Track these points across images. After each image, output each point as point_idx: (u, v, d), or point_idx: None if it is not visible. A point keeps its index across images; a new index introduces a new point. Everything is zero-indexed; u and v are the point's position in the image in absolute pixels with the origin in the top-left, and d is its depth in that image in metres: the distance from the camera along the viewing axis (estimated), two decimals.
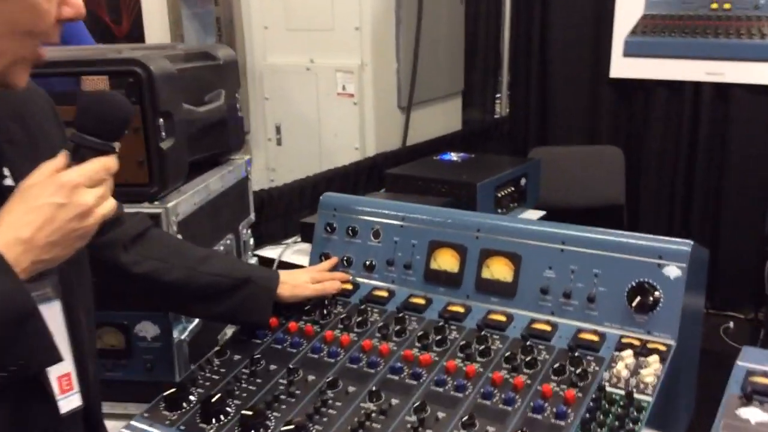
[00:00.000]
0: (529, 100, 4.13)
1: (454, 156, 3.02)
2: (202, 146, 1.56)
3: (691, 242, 1.25)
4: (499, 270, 1.39)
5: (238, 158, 1.76)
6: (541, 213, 2.91)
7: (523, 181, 2.87)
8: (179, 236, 1.40)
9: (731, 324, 3.89)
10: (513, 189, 2.79)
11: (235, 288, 1.32)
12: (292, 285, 1.40)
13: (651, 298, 1.24)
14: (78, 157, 0.90)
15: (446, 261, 1.44)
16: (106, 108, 0.92)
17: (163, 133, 1.35)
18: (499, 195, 2.71)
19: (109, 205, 0.90)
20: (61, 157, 0.89)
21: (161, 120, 1.35)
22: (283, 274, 1.42)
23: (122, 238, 1.24)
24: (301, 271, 1.49)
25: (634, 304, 1.24)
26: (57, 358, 0.88)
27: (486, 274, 1.40)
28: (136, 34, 4.39)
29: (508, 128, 4.23)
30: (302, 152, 3.59)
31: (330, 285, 1.45)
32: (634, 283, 1.26)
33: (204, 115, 1.54)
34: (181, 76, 1.44)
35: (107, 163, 0.90)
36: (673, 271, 1.24)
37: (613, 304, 1.27)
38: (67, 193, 0.85)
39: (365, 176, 3.14)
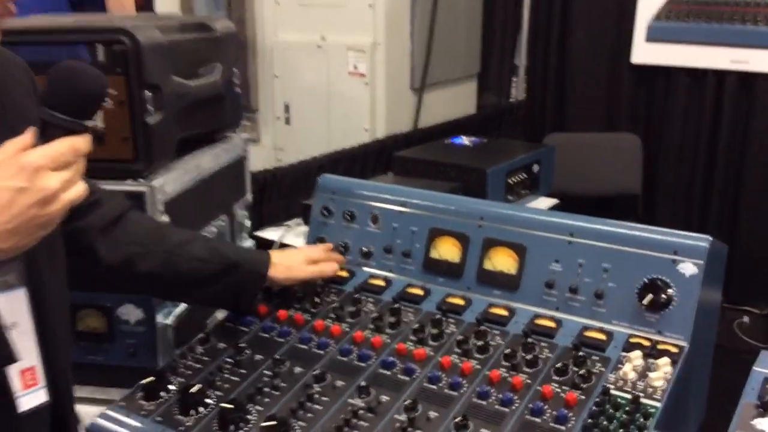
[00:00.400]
0: (547, 84, 4.01)
1: (465, 140, 2.92)
2: (195, 122, 1.49)
3: (710, 238, 1.16)
4: (502, 261, 1.31)
5: (235, 136, 1.69)
6: (554, 201, 2.82)
7: (536, 168, 2.77)
8: (166, 217, 1.33)
9: (746, 319, 3.77)
10: (525, 176, 2.70)
11: (219, 273, 1.24)
12: (286, 266, 1.32)
13: (664, 296, 1.15)
14: (45, 136, 0.81)
15: (447, 250, 1.36)
16: (77, 82, 0.83)
17: (150, 107, 1.28)
18: (511, 182, 2.62)
19: (77, 190, 0.82)
20: (27, 136, 0.81)
21: (148, 93, 1.27)
22: (276, 255, 1.33)
23: (98, 223, 1.17)
24: (295, 251, 1.41)
25: (645, 301, 1.16)
26: (11, 359, 0.81)
27: (488, 265, 1.32)
28: (148, 7, 4.32)
29: (523, 113, 4.12)
30: (311, 132, 3.50)
31: (328, 267, 1.37)
32: (646, 280, 1.17)
33: (197, 90, 1.46)
34: (172, 47, 1.37)
35: (76, 143, 0.81)
36: (689, 268, 1.15)
37: (622, 301, 1.19)
38: (29, 177, 0.77)
39: (374, 159, 3.05)
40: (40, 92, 1.02)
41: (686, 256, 1.15)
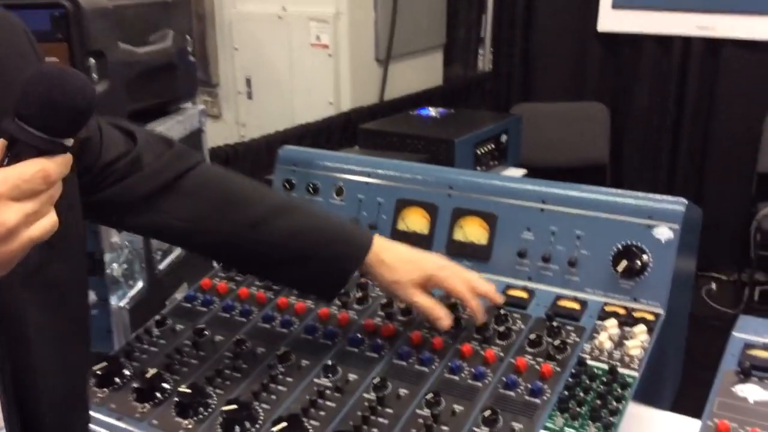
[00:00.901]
0: (513, 54, 3.97)
1: (432, 111, 2.87)
2: (145, 92, 1.41)
3: (686, 201, 1.12)
4: (472, 231, 1.26)
5: (191, 108, 1.60)
6: (523, 172, 2.79)
7: (504, 138, 2.73)
8: None
9: (713, 285, 3.82)
10: (493, 146, 2.66)
11: (290, 263, 1.03)
12: (391, 280, 1.05)
13: (639, 263, 1.11)
14: (12, 153, 0.65)
15: (415, 221, 1.30)
16: (59, 92, 0.65)
17: (95, 75, 1.20)
18: (479, 152, 2.58)
19: (44, 226, 0.65)
20: None
21: (92, 60, 1.19)
22: (388, 250, 1.05)
23: (133, 193, 0.95)
24: (419, 262, 1.08)
25: (619, 268, 1.12)
26: None
27: (458, 235, 1.27)
28: None
29: (490, 84, 4.08)
30: (274, 107, 3.42)
31: (441, 314, 1.06)
32: (620, 246, 1.13)
33: (146, 57, 1.38)
34: (118, 11, 1.28)
35: (48, 167, 0.64)
36: (664, 232, 1.12)
37: (596, 269, 1.15)
38: None
39: (339, 133, 2.98)
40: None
41: (661, 220, 1.12)
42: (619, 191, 1.18)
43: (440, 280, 1.07)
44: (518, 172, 2.78)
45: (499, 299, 1.12)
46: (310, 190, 1.40)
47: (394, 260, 1.06)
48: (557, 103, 3.79)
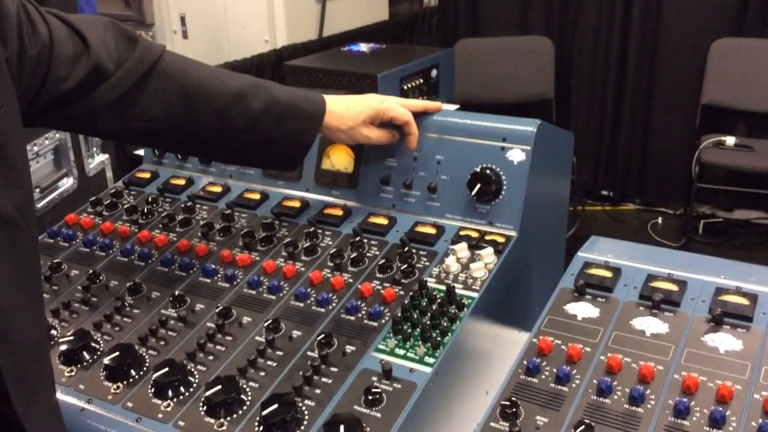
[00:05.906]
0: None
1: (363, 47, 2.81)
2: None
3: (539, 121, 1.11)
4: (339, 160, 1.24)
5: None
6: (455, 107, 2.75)
7: (434, 73, 2.69)
8: None
9: (660, 220, 3.85)
10: (422, 81, 2.62)
11: (256, 145, 1.04)
12: (347, 128, 1.10)
13: (493, 186, 1.10)
14: None
15: None
16: None
17: None
18: (405, 87, 2.54)
19: None
20: None
21: None
22: (336, 104, 1.09)
23: (99, 104, 0.90)
24: (359, 104, 1.11)
25: (474, 192, 1.11)
26: None
27: (326, 164, 1.25)
28: None
29: (437, 19, 4.00)
30: (210, 46, 3.33)
31: (385, 137, 1.14)
32: (476, 170, 1.12)
33: None
34: None
35: None
36: (517, 154, 1.10)
37: (455, 194, 1.14)
38: None
39: (271, 70, 2.92)
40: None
41: (514, 142, 1.10)
42: (477, 114, 1.16)
43: (384, 111, 1.13)
44: (450, 107, 2.74)
45: (438, 105, 1.21)
46: None
47: (342, 111, 1.10)
48: (502, 38, 3.73)
